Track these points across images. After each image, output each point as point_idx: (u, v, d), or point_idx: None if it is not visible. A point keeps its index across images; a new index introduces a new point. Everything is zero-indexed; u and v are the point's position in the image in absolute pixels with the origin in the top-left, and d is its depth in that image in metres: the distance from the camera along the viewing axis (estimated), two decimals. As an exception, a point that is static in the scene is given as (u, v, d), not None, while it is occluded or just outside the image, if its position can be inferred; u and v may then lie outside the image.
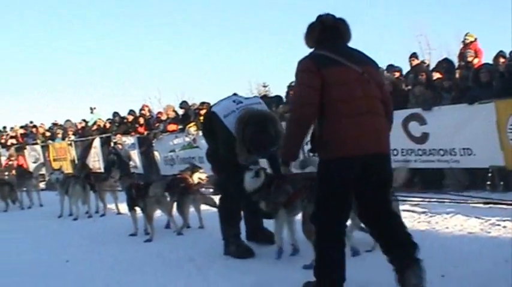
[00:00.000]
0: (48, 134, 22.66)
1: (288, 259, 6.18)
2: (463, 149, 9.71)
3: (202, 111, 13.10)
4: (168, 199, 8.66)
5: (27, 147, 22.22)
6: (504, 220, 7.25)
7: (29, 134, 23.99)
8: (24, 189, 14.47)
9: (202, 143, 10.57)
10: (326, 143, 4.48)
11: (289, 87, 13.75)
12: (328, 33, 4.66)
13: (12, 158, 20.26)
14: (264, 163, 6.81)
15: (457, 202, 8.83)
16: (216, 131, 6.62)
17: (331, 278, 4.56)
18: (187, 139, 15.17)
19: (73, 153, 20.17)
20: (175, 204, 8.68)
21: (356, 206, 4.85)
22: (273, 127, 6.00)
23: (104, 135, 19.00)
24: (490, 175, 9.72)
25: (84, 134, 20.82)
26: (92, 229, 9.82)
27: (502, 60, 10.77)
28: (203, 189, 9.74)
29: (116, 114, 19.88)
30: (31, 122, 25.19)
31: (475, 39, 12.69)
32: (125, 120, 19.09)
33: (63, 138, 21.16)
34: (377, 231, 4.81)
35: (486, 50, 12.60)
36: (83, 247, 8.10)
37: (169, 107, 17.66)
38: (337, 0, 33.85)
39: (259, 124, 5.99)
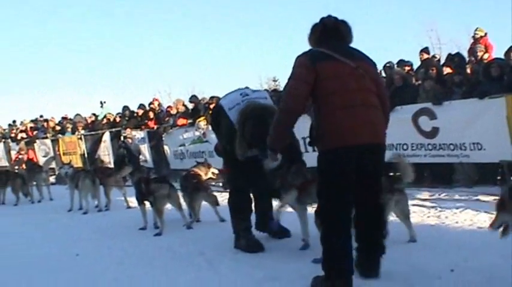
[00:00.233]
0: (58, 128, 22.71)
1: (297, 253, 6.18)
2: (473, 143, 9.63)
3: (212, 106, 13.09)
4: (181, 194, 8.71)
5: (37, 141, 22.23)
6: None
7: (39, 128, 24.07)
8: (34, 183, 14.54)
9: (212, 137, 10.62)
10: (323, 135, 4.71)
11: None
12: (329, 33, 4.91)
13: (22, 152, 20.28)
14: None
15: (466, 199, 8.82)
16: (221, 124, 6.65)
17: (338, 270, 4.60)
18: (197, 133, 15.14)
19: (83, 147, 20.17)
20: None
21: None
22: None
23: (113, 130, 19.00)
24: (500, 169, 9.69)
25: (94, 128, 20.85)
26: (102, 222, 9.84)
27: (513, 54, 10.68)
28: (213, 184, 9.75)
29: (125, 108, 19.86)
30: (41, 116, 25.30)
31: (485, 34, 12.60)
32: (135, 115, 19.08)
33: (73, 133, 21.20)
34: (359, 219, 4.95)
35: (497, 44, 12.54)
36: (92, 241, 8.12)
37: (179, 101, 17.61)
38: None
39: (260, 118, 5.99)
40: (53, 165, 19.34)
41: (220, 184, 12.21)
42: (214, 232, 7.82)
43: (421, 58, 12.90)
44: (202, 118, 14.79)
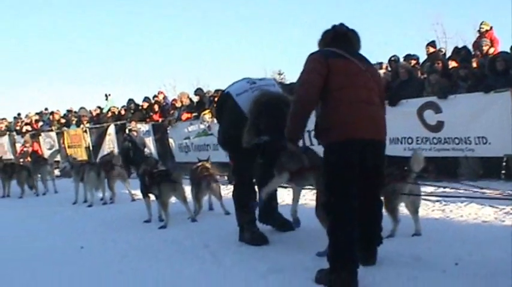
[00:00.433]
0: (63, 120, 22.75)
1: (302, 246, 6.15)
2: (478, 137, 9.62)
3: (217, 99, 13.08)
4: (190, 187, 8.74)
5: (42, 133, 22.31)
6: (518, 209, 7.23)
7: (44, 121, 24.13)
8: (39, 175, 14.54)
9: (217, 130, 10.58)
10: (328, 129, 4.84)
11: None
12: (339, 39, 5.10)
13: (27, 145, 20.33)
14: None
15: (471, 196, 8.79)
16: (226, 111, 6.63)
17: (343, 262, 4.62)
18: (202, 126, 15.15)
19: (88, 140, 20.22)
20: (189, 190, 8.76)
21: None
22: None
23: (118, 122, 19.04)
24: (504, 163, 9.67)
25: (99, 121, 20.88)
26: (107, 215, 9.85)
27: (519, 48, 10.65)
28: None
29: (130, 101, 19.89)
30: (46, 109, 25.32)
31: (491, 27, 12.58)
32: (140, 107, 19.14)
33: (78, 125, 21.22)
34: (358, 211, 4.93)
35: (502, 38, 12.51)
36: (97, 234, 8.12)
37: (183, 94, 17.61)
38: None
39: (276, 107, 6.01)
40: (58, 158, 19.38)
41: (225, 177, 12.20)
42: (218, 225, 7.83)
43: (427, 52, 12.88)
44: (207, 111, 14.78)
